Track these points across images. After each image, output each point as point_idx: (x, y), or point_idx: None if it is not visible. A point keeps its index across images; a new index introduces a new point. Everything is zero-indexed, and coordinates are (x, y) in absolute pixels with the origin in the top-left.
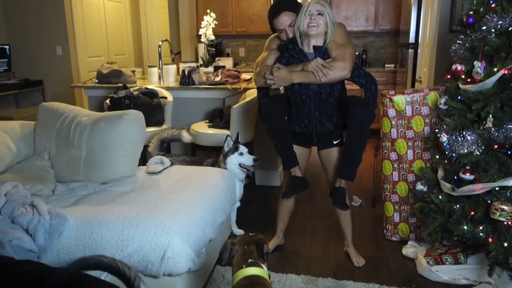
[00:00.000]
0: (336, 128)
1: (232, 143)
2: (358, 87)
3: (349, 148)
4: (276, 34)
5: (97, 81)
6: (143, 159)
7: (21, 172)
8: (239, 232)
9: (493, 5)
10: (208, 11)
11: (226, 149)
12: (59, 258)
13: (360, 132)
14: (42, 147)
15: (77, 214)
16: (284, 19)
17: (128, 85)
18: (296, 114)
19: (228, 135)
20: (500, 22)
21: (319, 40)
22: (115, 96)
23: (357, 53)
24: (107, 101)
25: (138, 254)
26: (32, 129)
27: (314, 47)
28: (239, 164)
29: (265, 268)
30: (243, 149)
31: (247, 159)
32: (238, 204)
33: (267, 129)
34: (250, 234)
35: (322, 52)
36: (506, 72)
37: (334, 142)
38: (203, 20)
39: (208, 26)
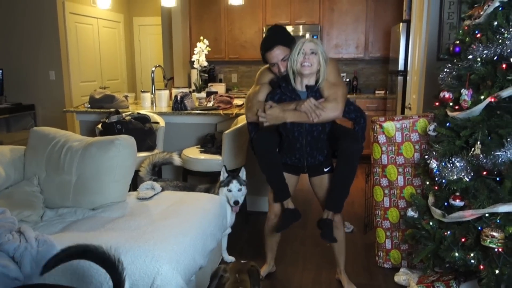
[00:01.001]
0: (327, 158)
1: (226, 175)
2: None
3: (338, 182)
4: (267, 66)
5: (89, 106)
6: (134, 185)
7: (9, 198)
8: (230, 259)
9: (478, 35)
10: (201, 37)
11: (221, 178)
12: None
13: (349, 167)
14: (32, 172)
15: (65, 241)
16: (277, 53)
17: (120, 110)
18: (287, 148)
19: (224, 166)
20: (485, 51)
21: (312, 78)
22: (107, 121)
23: (348, 80)
24: (99, 126)
25: (127, 282)
26: (22, 154)
27: (307, 86)
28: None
29: None
30: (233, 186)
31: (231, 197)
32: (229, 230)
33: (259, 162)
34: (242, 261)
35: (314, 91)
36: (492, 100)
37: (325, 170)
38: (196, 46)
39: (201, 52)
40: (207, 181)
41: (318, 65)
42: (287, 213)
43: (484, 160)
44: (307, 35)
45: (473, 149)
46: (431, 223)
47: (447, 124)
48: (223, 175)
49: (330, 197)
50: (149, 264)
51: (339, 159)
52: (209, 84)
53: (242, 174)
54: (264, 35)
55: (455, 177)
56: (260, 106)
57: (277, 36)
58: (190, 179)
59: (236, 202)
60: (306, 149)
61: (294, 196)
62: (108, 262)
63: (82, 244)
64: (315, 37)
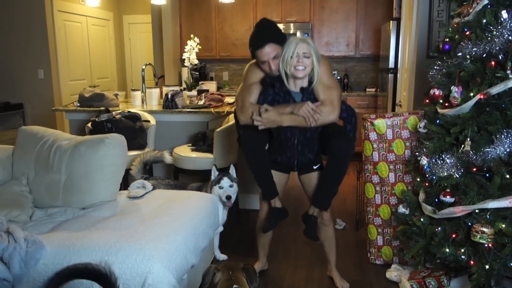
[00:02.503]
0: (317, 156)
1: (217, 173)
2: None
3: (327, 181)
4: (255, 61)
5: (78, 104)
6: (125, 183)
7: None
8: (222, 257)
9: (467, 33)
10: (192, 35)
11: (212, 177)
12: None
13: (340, 167)
14: (21, 171)
15: (54, 241)
16: (268, 51)
17: (110, 109)
18: (278, 147)
19: (214, 165)
20: (474, 49)
21: (305, 79)
22: (97, 119)
23: (338, 78)
24: (89, 124)
25: (118, 281)
26: (11, 153)
27: (302, 88)
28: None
29: None
30: (224, 182)
31: (223, 194)
32: (221, 228)
33: (247, 160)
34: (233, 263)
35: (309, 92)
36: (482, 97)
37: (314, 168)
38: (186, 44)
39: (191, 51)
40: (199, 179)
41: (311, 66)
42: (275, 212)
43: (474, 157)
44: (298, 33)
45: (463, 145)
46: (422, 220)
47: (437, 121)
48: (214, 174)
49: (317, 195)
50: (140, 263)
51: (330, 159)
52: (200, 82)
53: (232, 171)
54: (252, 31)
55: (445, 173)
56: (254, 108)
57: (268, 33)
58: (181, 178)
59: (228, 197)
60: (298, 148)
61: (286, 193)
62: (101, 276)
63: (71, 266)
64: (306, 35)
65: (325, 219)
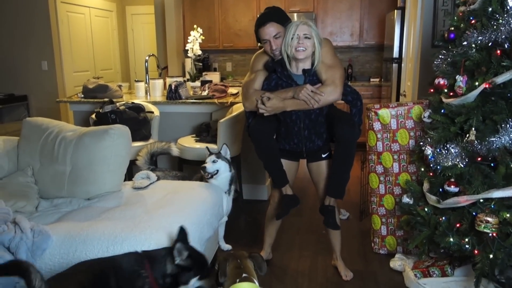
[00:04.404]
0: (325, 143)
1: (208, 153)
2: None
3: (337, 167)
4: (262, 51)
5: (82, 96)
6: (129, 174)
7: (3, 189)
8: (226, 247)
9: (473, 22)
10: (195, 26)
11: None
12: None
13: (347, 152)
14: (26, 163)
15: (60, 231)
16: (270, 30)
17: (114, 100)
18: (285, 133)
19: (206, 147)
20: (480, 37)
21: (307, 61)
22: (101, 111)
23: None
24: (93, 116)
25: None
26: (16, 145)
27: (304, 70)
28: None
29: (257, 283)
30: (208, 158)
31: (203, 168)
32: (225, 218)
33: (256, 149)
34: (239, 251)
35: (311, 74)
36: (487, 86)
37: (323, 156)
38: (190, 35)
39: (195, 41)
40: None
41: (312, 48)
42: (286, 199)
43: (479, 146)
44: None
45: (467, 135)
46: (426, 209)
47: (442, 111)
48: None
49: (331, 183)
50: None
51: (337, 146)
52: (203, 73)
53: (224, 150)
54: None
55: (449, 163)
56: (257, 95)
57: (272, 13)
58: (185, 168)
59: (202, 168)
60: (304, 133)
61: (294, 176)
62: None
63: None
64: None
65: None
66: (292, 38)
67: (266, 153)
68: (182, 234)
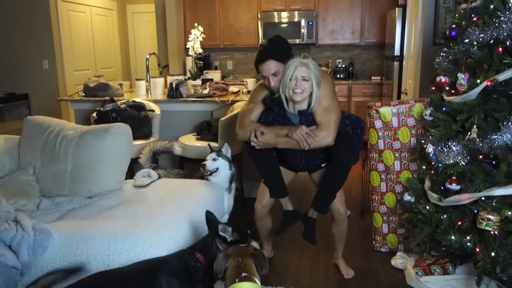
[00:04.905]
0: (323, 159)
1: (209, 150)
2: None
3: (327, 186)
4: (262, 82)
5: (83, 94)
6: (131, 173)
7: (5, 187)
8: None
9: (474, 19)
10: (196, 24)
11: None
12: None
13: (341, 174)
14: (27, 161)
15: (62, 229)
16: (269, 67)
17: (115, 98)
18: (283, 158)
19: (208, 144)
20: (481, 35)
21: (304, 102)
22: (102, 109)
23: (343, 66)
24: (94, 114)
25: None
26: (17, 143)
27: (299, 111)
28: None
29: (259, 283)
30: (208, 156)
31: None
32: (226, 216)
33: (256, 165)
34: (242, 245)
35: (307, 115)
36: (489, 83)
37: (322, 166)
38: (190, 33)
39: (195, 40)
40: None
41: (310, 90)
42: (287, 215)
43: (480, 144)
44: (302, 22)
45: (469, 133)
46: (427, 207)
47: (443, 109)
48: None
49: (317, 198)
50: (147, 250)
51: (332, 166)
52: (204, 72)
53: (225, 148)
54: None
55: (451, 161)
56: (252, 126)
57: (272, 49)
58: (186, 166)
59: (202, 165)
60: (302, 160)
61: (291, 181)
62: None
63: None
64: (311, 23)
65: (342, 213)
66: (290, 80)
67: (266, 168)
68: (212, 216)
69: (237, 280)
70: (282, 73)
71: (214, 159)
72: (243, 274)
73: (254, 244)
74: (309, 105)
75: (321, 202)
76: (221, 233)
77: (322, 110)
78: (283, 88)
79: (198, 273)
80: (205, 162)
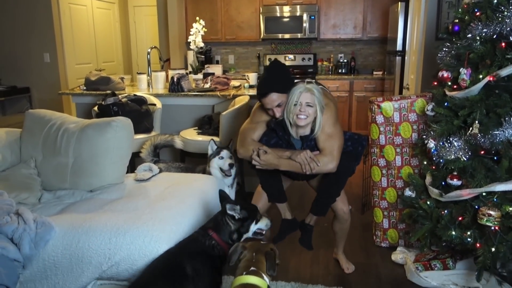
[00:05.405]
0: None
1: (216, 147)
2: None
3: (325, 192)
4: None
5: (85, 88)
6: (132, 166)
7: (6, 180)
8: None
9: (478, 14)
10: (197, 18)
11: (209, 152)
12: (45, 268)
13: (339, 181)
14: (28, 154)
15: (63, 222)
16: (272, 99)
17: (116, 92)
18: (284, 174)
19: (212, 139)
20: (484, 30)
21: (307, 127)
22: (103, 103)
23: (345, 61)
24: (95, 108)
25: (126, 262)
26: (18, 137)
27: (302, 137)
28: (220, 168)
29: (266, 279)
30: (224, 153)
31: (224, 163)
32: None
33: (256, 173)
34: (262, 242)
35: (309, 140)
36: (491, 79)
37: None
38: (192, 27)
39: (197, 33)
40: (205, 163)
41: (314, 115)
42: (285, 224)
43: (482, 140)
44: (304, 16)
45: (471, 128)
46: (428, 203)
47: (445, 104)
48: (212, 148)
49: (316, 203)
50: (148, 244)
51: (331, 174)
52: (205, 66)
53: (232, 145)
54: (262, 74)
55: (452, 156)
56: (254, 146)
57: (274, 81)
58: (187, 161)
59: (230, 164)
60: (301, 180)
61: (289, 186)
62: None
63: None
64: (313, 18)
65: (346, 212)
66: (295, 105)
67: (265, 174)
68: (224, 194)
69: (244, 273)
70: (285, 102)
71: (230, 157)
72: (252, 268)
73: (265, 220)
74: (312, 130)
75: (320, 208)
76: (229, 211)
77: (325, 137)
78: (287, 114)
79: (215, 249)
80: (231, 162)
